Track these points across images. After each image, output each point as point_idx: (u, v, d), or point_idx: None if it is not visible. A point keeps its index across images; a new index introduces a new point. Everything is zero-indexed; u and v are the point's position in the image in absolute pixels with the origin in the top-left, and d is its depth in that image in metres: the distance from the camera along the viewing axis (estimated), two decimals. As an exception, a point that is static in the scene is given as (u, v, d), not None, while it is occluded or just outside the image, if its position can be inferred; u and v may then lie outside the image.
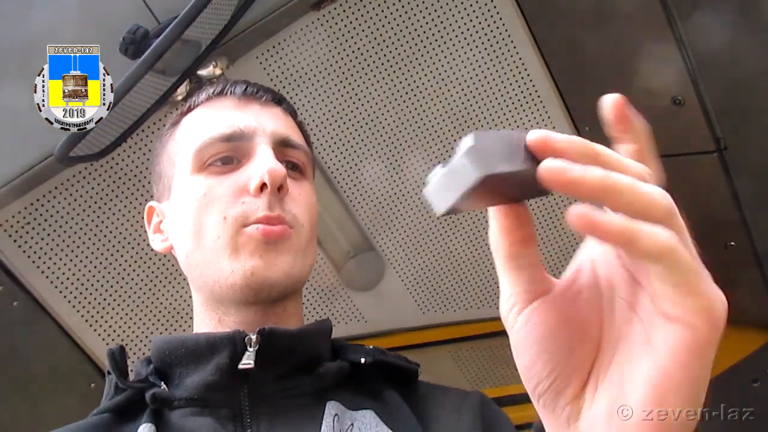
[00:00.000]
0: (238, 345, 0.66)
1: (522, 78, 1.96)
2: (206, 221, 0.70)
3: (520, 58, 1.94)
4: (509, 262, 0.38)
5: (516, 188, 0.37)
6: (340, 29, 1.85)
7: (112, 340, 1.88)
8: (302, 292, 0.78)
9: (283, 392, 0.68)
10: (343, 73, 1.90)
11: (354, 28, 1.85)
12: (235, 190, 0.70)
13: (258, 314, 0.70)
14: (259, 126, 0.74)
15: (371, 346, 0.74)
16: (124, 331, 1.89)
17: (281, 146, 0.75)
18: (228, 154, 0.73)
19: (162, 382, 0.68)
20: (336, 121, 1.95)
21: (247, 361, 0.65)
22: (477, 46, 1.92)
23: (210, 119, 0.76)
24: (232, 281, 0.68)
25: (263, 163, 0.70)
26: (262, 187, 0.69)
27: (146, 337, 1.91)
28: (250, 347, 0.66)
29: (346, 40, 1.86)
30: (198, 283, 0.73)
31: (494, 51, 1.92)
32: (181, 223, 0.74)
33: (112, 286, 1.85)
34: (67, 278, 1.80)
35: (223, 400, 0.66)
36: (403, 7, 1.85)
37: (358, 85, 1.92)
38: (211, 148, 0.73)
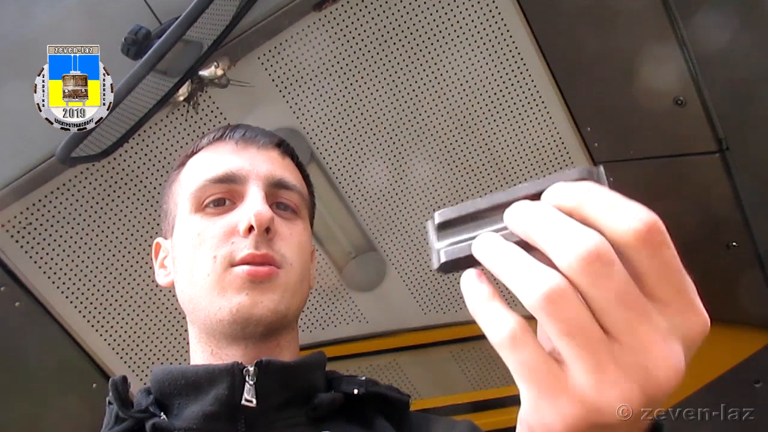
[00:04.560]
0: (237, 377, 0.68)
1: (524, 78, 1.96)
2: (198, 259, 0.74)
3: (522, 59, 1.94)
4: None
5: None
6: (341, 30, 1.85)
7: (114, 340, 1.88)
8: (297, 327, 0.81)
9: (280, 422, 0.70)
10: (345, 73, 1.90)
11: (356, 28, 1.85)
12: (226, 231, 0.74)
13: (249, 348, 0.73)
14: (252, 169, 0.78)
15: (364, 377, 0.76)
16: (125, 332, 1.90)
17: (274, 188, 0.78)
18: (222, 196, 0.77)
19: (162, 413, 0.69)
20: (338, 121, 1.95)
21: (249, 398, 0.68)
22: (479, 47, 1.92)
23: (208, 163, 0.80)
24: (220, 317, 0.72)
25: (251, 207, 0.74)
26: (250, 229, 0.73)
27: (147, 338, 1.92)
28: (249, 378, 0.68)
29: (348, 41, 1.86)
30: (191, 316, 0.77)
31: (496, 52, 1.93)
32: (179, 260, 0.78)
33: (114, 287, 1.85)
34: (69, 279, 1.80)
35: (221, 431, 0.68)
36: (404, 7, 1.85)
37: (360, 86, 1.92)
38: (206, 191, 0.77)
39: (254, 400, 0.67)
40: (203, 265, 0.73)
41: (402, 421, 0.76)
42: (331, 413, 0.72)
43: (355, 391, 0.73)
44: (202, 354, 0.76)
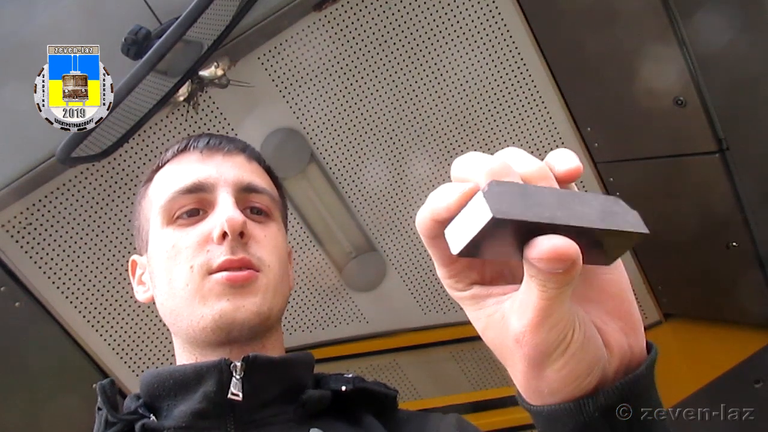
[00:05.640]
0: (224, 372, 0.68)
1: (524, 79, 1.96)
2: (176, 271, 0.74)
3: (522, 59, 1.94)
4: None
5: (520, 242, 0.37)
6: (341, 30, 1.85)
7: (114, 340, 1.89)
8: (281, 329, 0.81)
9: (268, 419, 0.70)
10: (345, 74, 1.90)
11: (356, 29, 1.85)
12: (200, 240, 0.74)
13: (234, 353, 0.72)
14: (220, 176, 0.78)
15: (352, 375, 0.76)
16: (125, 332, 1.90)
17: (244, 192, 0.78)
18: (193, 207, 0.77)
19: (151, 414, 0.70)
20: (338, 121, 1.95)
21: (236, 392, 0.68)
22: (479, 48, 1.92)
23: (175, 174, 0.80)
24: (203, 325, 0.71)
25: (223, 213, 0.74)
26: (224, 235, 0.73)
27: (147, 338, 1.92)
28: (236, 373, 0.68)
29: (348, 41, 1.86)
30: (174, 328, 0.77)
31: (496, 52, 1.93)
32: (156, 274, 0.78)
33: (113, 287, 1.85)
34: (69, 279, 1.80)
35: (210, 428, 0.68)
36: (405, 8, 1.85)
37: (360, 86, 1.92)
38: (176, 202, 0.77)
39: (240, 394, 0.68)
40: (181, 276, 0.73)
41: (390, 417, 0.76)
42: (320, 411, 0.72)
43: (343, 388, 0.74)
44: (187, 362, 0.76)
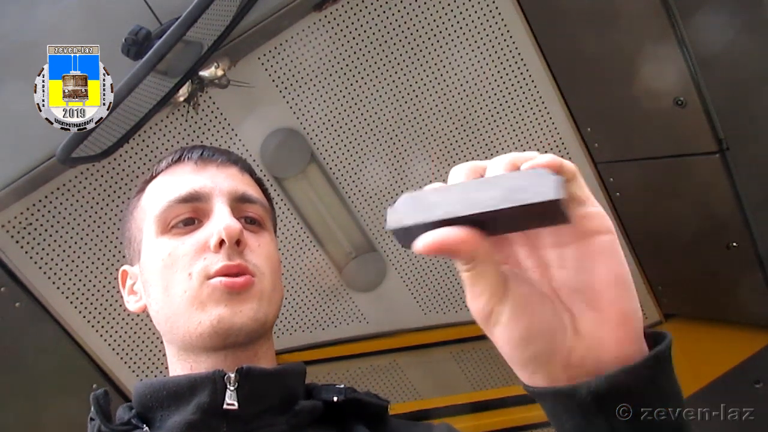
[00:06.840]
0: (218, 384, 0.69)
1: (524, 79, 1.96)
2: (173, 278, 0.75)
3: (522, 59, 1.94)
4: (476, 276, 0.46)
5: None
6: (341, 30, 1.85)
7: (114, 341, 1.89)
8: (272, 336, 0.82)
9: (261, 430, 0.70)
10: (345, 74, 1.90)
11: (356, 29, 1.85)
12: (197, 248, 0.75)
13: (228, 358, 0.73)
14: (215, 186, 0.79)
15: (343, 385, 0.77)
16: (125, 332, 1.90)
17: (238, 202, 0.80)
18: (189, 216, 0.78)
19: (144, 425, 0.70)
20: (338, 122, 1.95)
21: (231, 402, 0.68)
22: (479, 48, 1.92)
23: (170, 184, 0.81)
24: (200, 331, 0.72)
25: (220, 221, 0.75)
26: (221, 243, 0.74)
27: (148, 338, 1.92)
28: (230, 385, 0.69)
29: (348, 42, 1.86)
30: (169, 336, 0.77)
31: (496, 52, 1.93)
32: (151, 282, 0.78)
33: (114, 287, 1.85)
34: (69, 279, 1.80)
35: None
36: (405, 8, 1.86)
37: (360, 86, 1.92)
38: (171, 211, 0.78)
39: (236, 404, 0.68)
40: (179, 283, 0.74)
41: (381, 427, 0.77)
42: (312, 421, 0.73)
43: (335, 399, 0.74)
44: (181, 371, 0.76)
